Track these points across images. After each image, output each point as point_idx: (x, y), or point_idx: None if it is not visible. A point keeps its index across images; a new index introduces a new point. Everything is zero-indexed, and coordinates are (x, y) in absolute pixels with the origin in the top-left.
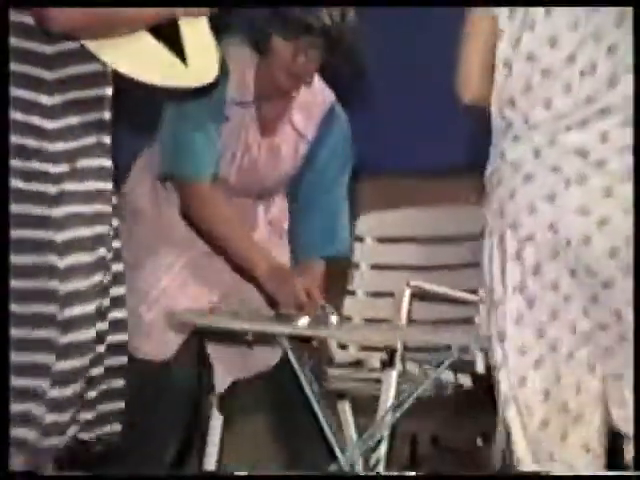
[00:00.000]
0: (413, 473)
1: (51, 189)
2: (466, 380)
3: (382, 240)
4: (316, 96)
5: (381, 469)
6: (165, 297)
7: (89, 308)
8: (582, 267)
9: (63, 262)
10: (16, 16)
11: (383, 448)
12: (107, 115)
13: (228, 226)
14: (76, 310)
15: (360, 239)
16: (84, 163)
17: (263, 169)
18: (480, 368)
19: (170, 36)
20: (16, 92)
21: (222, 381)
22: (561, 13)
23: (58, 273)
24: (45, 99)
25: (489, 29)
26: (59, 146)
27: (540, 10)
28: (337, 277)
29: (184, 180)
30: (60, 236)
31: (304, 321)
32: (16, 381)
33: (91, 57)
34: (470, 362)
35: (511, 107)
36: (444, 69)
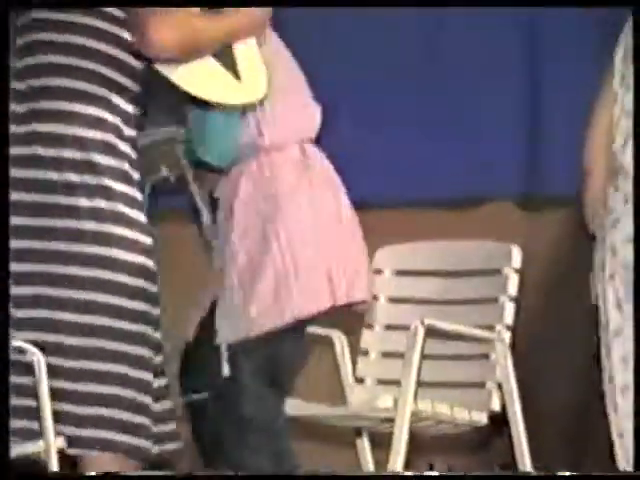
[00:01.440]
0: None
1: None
2: (482, 417)
3: (401, 273)
4: None
5: None
6: None
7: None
8: None
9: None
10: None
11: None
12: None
13: None
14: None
15: (379, 272)
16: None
17: None
18: (496, 405)
19: (226, 55)
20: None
21: None
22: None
23: None
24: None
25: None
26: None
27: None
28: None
29: None
30: None
31: None
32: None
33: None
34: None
35: (617, 157)
36: (460, 98)
